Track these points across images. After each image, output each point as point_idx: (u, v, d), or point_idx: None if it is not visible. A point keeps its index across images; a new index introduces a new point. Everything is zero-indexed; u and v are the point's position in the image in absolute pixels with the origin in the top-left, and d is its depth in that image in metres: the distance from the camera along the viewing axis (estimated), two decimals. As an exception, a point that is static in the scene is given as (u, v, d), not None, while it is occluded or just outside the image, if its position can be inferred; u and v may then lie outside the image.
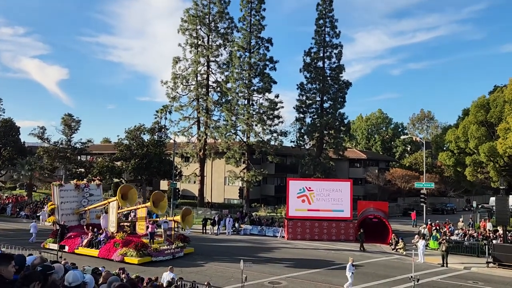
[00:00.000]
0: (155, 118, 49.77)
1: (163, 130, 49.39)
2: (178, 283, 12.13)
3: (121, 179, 48.87)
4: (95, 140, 59.02)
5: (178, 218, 25.02)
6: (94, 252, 23.04)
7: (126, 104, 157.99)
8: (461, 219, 34.75)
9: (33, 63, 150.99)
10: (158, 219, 26.74)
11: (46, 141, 49.74)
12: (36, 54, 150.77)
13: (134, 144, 47.09)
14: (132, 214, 34.00)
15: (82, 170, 48.77)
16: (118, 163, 47.69)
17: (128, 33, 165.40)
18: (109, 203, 24.80)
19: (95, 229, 24.78)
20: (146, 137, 48.80)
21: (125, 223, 26.82)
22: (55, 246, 24.21)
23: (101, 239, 23.56)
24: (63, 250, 23.02)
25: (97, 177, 45.27)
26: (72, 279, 4.61)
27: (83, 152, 51.95)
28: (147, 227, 24.08)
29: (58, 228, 25.44)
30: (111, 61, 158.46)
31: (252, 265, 14.67)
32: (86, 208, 26.81)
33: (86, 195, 27.69)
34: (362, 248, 27.91)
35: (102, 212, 27.24)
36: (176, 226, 25.69)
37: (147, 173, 45.95)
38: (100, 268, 12.44)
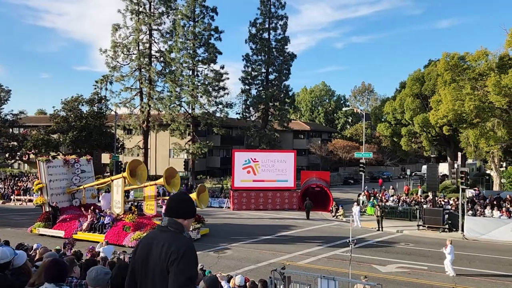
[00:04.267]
0: (95, 88, 47.41)
1: (103, 101, 47.25)
2: (121, 256, 11.92)
3: (59, 152, 46.56)
4: (28, 111, 55.23)
5: (193, 196, 22.62)
6: (99, 237, 20.05)
7: (62, 74, 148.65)
8: (391, 187, 36.96)
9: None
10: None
11: (-28, 113, 45.91)
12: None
13: (72, 115, 44.78)
14: (132, 192, 31.78)
15: (15, 143, 45.82)
16: (55, 135, 45.25)
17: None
18: (112, 180, 21.89)
19: (97, 211, 22.02)
20: (85, 108, 46.53)
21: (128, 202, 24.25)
22: (46, 231, 21.70)
23: (106, 222, 20.95)
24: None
25: (31, 151, 42.75)
26: (0, 256, 4.35)
27: (15, 124, 48.60)
28: (158, 207, 21.86)
29: (48, 210, 22.66)
30: (43, 26, 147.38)
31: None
32: (82, 187, 23.58)
33: (77, 172, 24.30)
34: (306, 216, 28.92)
35: (94, 191, 24.58)
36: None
37: (87, 146, 44.07)
38: (36, 245, 11.91)
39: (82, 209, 22.53)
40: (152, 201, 22.74)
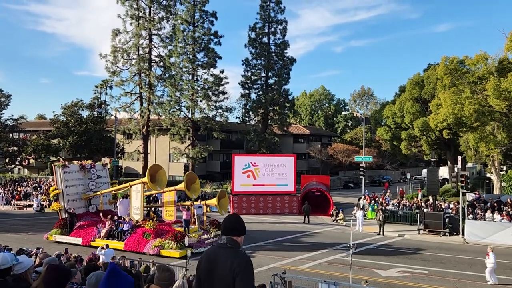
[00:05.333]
0: (95, 93, 47.64)
1: (103, 106, 47.37)
2: (120, 261, 11.92)
3: (59, 157, 46.60)
4: (28, 116, 55.53)
5: (212, 201, 22.06)
6: (118, 244, 19.42)
7: (62, 79, 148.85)
8: (388, 191, 36.88)
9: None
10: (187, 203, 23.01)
11: (-28, 118, 45.99)
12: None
13: (72, 120, 44.87)
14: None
15: (15, 148, 45.85)
16: (55, 140, 45.32)
17: (62, 2, 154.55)
18: (130, 186, 21.20)
19: (115, 217, 21.26)
20: (85, 113, 46.67)
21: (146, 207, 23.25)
22: (63, 238, 21.02)
23: (125, 229, 20.15)
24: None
25: (31, 156, 42.73)
26: (1, 261, 4.32)
27: (15, 129, 48.68)
28: (179, 213, 21.19)
29: (65, 216, 21.93)
30: (44, 31, 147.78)
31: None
32: (99, 193, 22.93)
33: (94, 177, 23.71)
34: (306, 221, 28.90)
35: (111, 197, 23.84)
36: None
37: (87, 150, 44.12)
38: (35, 249, 11.89)
39: (101, 215, 21.74)
40: (171, 207, 22.13)
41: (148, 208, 23.80)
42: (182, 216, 21.04)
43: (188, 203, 22.60)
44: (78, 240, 20.50)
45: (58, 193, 22.38)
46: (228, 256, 3.50)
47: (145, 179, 19.50)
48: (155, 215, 22.03)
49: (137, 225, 20.30)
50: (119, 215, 21.62)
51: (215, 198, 21.53)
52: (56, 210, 22.93)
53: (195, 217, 21.86)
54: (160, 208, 24.45)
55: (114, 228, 20.46)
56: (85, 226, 21.40)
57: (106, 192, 23.21)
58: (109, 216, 21.23)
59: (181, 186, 20.39)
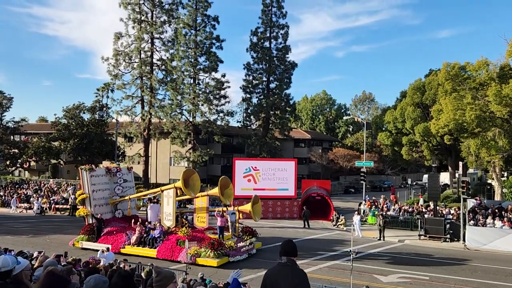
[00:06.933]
0: (96, 96, 47.72)
1: (104, 109, 47.47)
2: (121, 265, 11.88)
3: (60, 160, 46.70)
4: (30, 119, 55.64)
5: (246, 207, 21.18)
6: (150, 252, 18.71)
7: (64, 81, 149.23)
8: (382, 196, 36.69)
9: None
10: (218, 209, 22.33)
11: (-27, 120, 46.14)
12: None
13: (73, 123, 44.95)
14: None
15: (16, 150, 45.91)
16: (56, 143, 45.41)
17: (65, 5, 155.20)
18: (162, 191, 20.54)
19: (146, 223, 20.54)
20: (86, 116, 46.79)
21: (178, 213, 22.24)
22: (91, 245, 20.23)
23: (156, 236, 19.30)
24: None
25: (32, 158, 42.77)
26: (1, 263, 4.30)
27: (16, 131, 48.78)
28: (212, 220, 20.81)
29: (92, 222, 21.25)
30: (46, 34, 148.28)
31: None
32: (127, 197, 22.19)
33: (120, 181, 23.00)
34: (306, 225, 28.86)
35: (138, 202, 23.43)
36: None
37: (88, 153, 44.18)
38: (36, 253, 11.87)
39: (133, 220, 20.77)
40: (203, 213, 21.49)
41: (177, 214, 22.92)
42: (217, 223, 20.48)
43: (220, 208, 22.06)
44: (107, 247, 19.52)
45: (85, 198, 21.68)
46: (289, 271, 4.56)
47: (179, 184, 18.86)
48: (186, 221, 21.37)
49: (169, 232, 19.54)
50: (148, 221, 21.05)
51: (249, 204, 20.93)
52: (83, 215, 22.27)
53: (229, 223, 21.19)
54: (186, 213, 23.90)
55: (145, 235, 19.65)
56: (114, 232, 20.58)
57: (134, 197, 22.69)
58: (139, 222, 20.48)
59: (215, 191, 19.89)
